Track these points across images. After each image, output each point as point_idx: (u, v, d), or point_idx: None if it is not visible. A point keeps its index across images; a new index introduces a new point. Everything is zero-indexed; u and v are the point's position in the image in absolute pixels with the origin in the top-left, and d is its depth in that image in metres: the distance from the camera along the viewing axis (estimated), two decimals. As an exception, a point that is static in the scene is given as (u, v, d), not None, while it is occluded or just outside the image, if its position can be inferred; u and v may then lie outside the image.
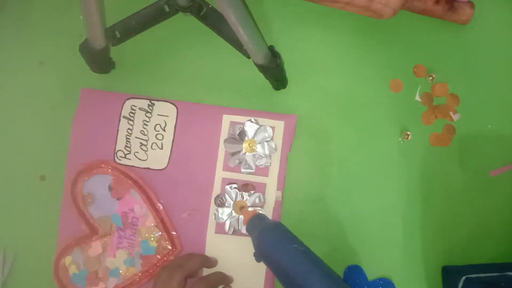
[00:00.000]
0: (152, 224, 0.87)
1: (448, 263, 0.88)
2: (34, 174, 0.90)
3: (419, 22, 0.92)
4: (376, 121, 0.91)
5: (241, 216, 0.87)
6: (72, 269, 0.87)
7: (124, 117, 0.89)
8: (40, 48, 0.93)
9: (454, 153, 0.90)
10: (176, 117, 0.89)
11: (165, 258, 0.87)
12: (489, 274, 0.82)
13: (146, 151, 0.89)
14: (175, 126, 0.89)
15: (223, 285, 0.83)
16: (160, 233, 0.87)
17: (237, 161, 0.87)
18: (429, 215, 0.89)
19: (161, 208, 0.87)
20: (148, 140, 0.89)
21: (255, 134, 0.87)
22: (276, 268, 0.75)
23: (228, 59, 0.91)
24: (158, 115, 0.89)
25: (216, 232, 0.87)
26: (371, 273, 0.87)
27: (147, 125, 0.89)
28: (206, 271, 0.86)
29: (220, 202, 0.87)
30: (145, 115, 0.89)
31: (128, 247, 0.87)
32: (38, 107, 0.91)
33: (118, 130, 0.89)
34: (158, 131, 0.89)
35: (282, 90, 0.91)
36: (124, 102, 0.90)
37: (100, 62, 0.89)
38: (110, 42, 0.87)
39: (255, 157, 0.87)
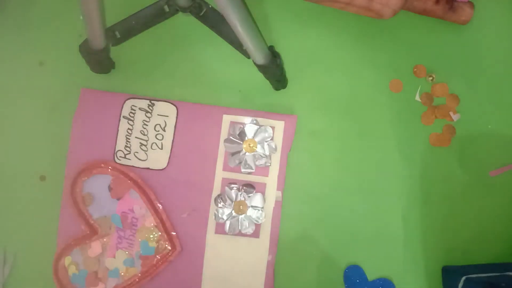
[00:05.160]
0: (152, 224, 0.87)
1: (448, 263, 0.88)
2: (34, 174, 0.90)
3: (419, 22, 0.92)
4: (376, 121, 0.90)
5: (241, 216, 0.86)
6: (72, 269, 0.87)
7: (124, 117, 0.89)
8: (40, 48, 0.93)
9: (454, 153, 0.90)
10: (176, 117, 0.89)
11: (165, 259, 0.87)
12: (489, 274, 0.82)
13: (146, 151, 0.89)
14: (175, 126, 0.89)
15: None
16: (160, 233, 0.87)
17: (237, 161, 0.87)
18: (429, 215, 0.89)
19: (160, 208, 0.87)
20: (148, 140, 0.89)
21: (255, 134, 0.87)
22: None
23: (228, 59, 0.91)
24: (158, 115, 0.89)
25: (216, 232, 0.87)
26: (371, 273, 0.87)
27: (147, 125, 0.89)
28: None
29: (220, 202, 0.87)
30: (145, 115, 0.89)
31: (127, 247, 0.87)
32: (38, 107, 0.91)
33: (118, 130, 0.89)
34: (158, 131, 0.89)
35: (282, 90, 0.91)
36: (124, 102, 0.90)
37: (100, 62, 0.89)
38: (110, 42, 0.87)
39: (255, 157, 0.87)
